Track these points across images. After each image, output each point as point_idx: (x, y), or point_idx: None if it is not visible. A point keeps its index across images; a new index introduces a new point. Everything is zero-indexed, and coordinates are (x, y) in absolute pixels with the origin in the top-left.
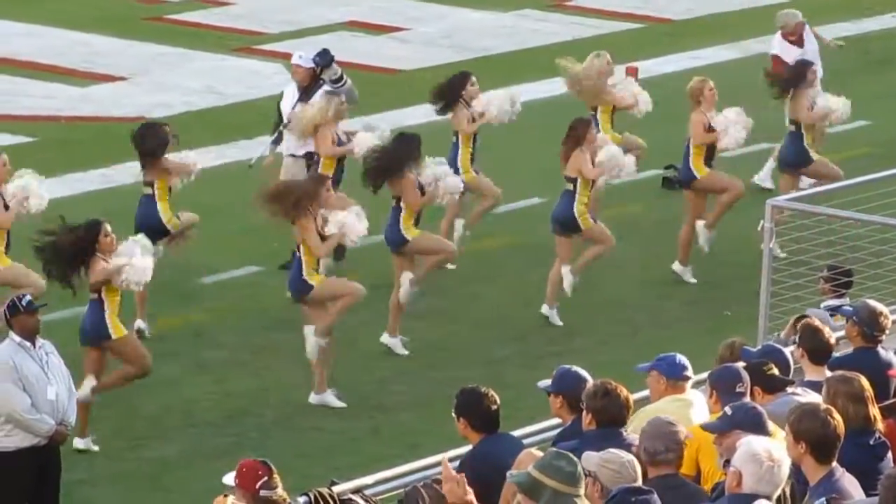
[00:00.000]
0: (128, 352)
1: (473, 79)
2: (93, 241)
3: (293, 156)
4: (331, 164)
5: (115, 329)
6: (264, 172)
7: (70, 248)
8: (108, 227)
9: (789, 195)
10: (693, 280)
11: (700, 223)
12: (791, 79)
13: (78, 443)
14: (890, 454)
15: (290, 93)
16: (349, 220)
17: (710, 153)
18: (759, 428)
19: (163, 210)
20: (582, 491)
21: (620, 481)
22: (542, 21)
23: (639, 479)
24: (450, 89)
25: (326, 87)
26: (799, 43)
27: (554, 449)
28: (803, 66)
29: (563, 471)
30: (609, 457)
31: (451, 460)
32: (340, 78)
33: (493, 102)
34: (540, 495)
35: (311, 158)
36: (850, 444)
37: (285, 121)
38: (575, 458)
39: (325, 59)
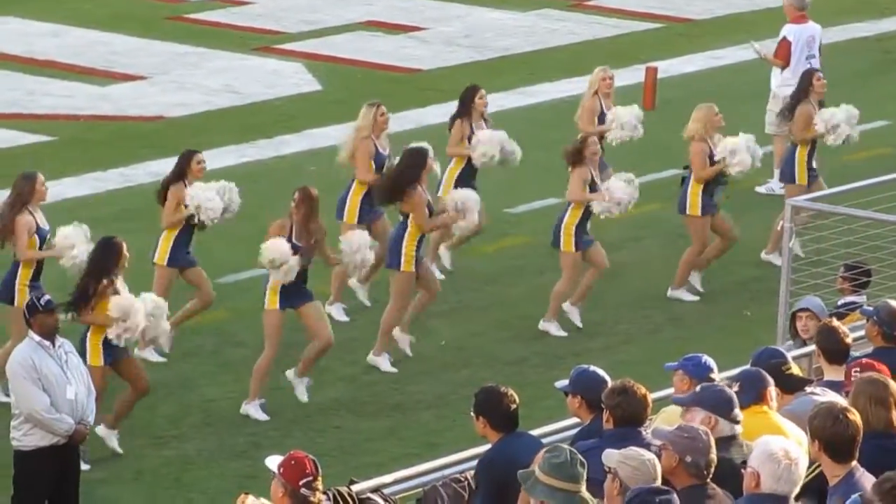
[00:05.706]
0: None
1: (482, 91)
2: (113, 261)
3: None
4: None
5: (93, 356)
6: None
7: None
8: (125, 247)
9: (809, 195)
10: (692, 298)
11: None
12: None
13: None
14: None
15: None
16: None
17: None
18: (719, 409)
19: None
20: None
21: (639, 479)
22: (561, 21)
23: (658, 478)
24: (459, 102)
25: None
26: None
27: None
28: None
29: (549, 462)
30: (629, 454)
31: (469, 459)
32: None
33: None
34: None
35: None
36: (870, 445)
37: None
38: (569, 453)
39: None
